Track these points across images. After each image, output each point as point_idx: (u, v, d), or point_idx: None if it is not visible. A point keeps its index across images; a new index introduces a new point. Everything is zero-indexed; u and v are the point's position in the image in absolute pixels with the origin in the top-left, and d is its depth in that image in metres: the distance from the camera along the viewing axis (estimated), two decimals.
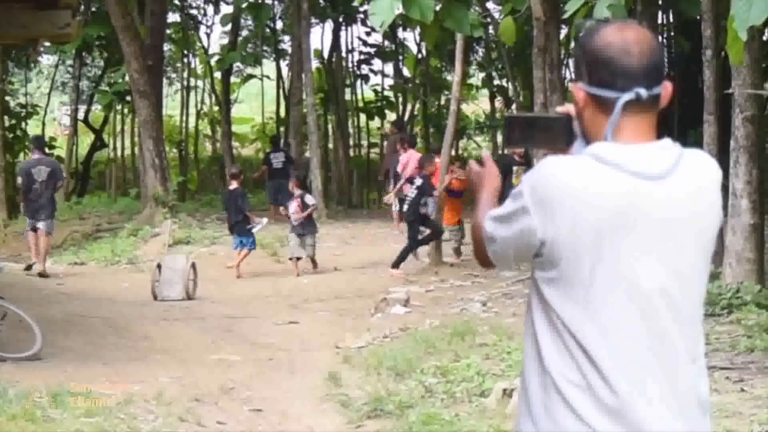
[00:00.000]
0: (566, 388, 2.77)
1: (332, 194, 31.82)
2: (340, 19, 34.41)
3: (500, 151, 35.76)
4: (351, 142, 36.82)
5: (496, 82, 35.97)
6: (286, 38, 36.60)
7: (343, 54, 36.31)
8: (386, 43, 36.38)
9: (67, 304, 14.54)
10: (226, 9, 35.31)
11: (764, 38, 14.21)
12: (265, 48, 37.03)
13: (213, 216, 24.74)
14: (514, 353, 9.59)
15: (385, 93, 37.49)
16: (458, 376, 9.17)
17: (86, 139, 38.28)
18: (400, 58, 36.97)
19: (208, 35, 38.54)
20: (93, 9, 31.86)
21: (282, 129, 35.73)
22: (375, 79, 37.77)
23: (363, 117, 38.44)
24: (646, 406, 2.75)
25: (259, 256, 18.89)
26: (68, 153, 34.27)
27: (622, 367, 2.75)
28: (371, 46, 36.54)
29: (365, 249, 19.37)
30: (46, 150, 22.92)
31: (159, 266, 15.77)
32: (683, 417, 2.80)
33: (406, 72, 37.20)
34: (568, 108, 3.04)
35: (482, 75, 37.39)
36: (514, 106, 32.40)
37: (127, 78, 26.39)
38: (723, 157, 11.35)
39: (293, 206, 17.64)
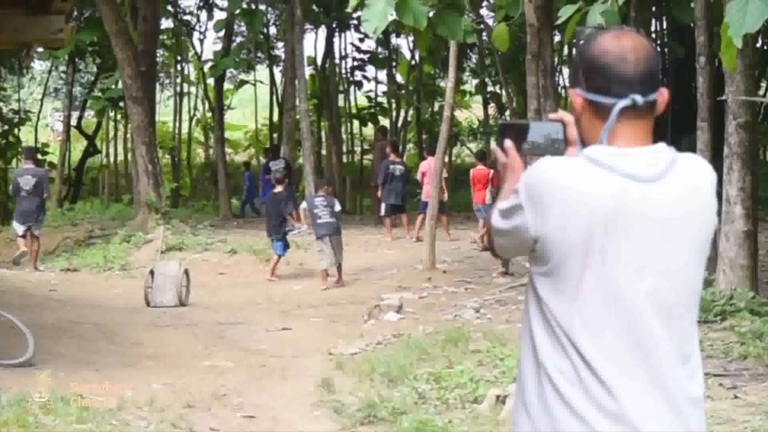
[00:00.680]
0: (560, 380, 2.81)
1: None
2: (334, 25, 34.45)
3: (492, 158, 35.80)
4: (344, 149, 36.84)
5: (490, 88, 36.05)
6: (280, 44, 36.65)
7: (337, 60, 36.35)
8: (380, 49, 36.42)
9: (60, 310, 14.51)
10: (220, 15, 35.41)
11: (757, 45, 14.23)
12: (258, 54, 37.05)
13: (206, 222, 24.72)
14: (507, 359, 9.58)
15: (379, 99, 37.53)
16: (451, 382, 9.16)
17: (79, 145, 38.28)
18: (394, 64, 37.01)
19: (201, 41, 38.62)
20: (86, 14, 31.84)
21: (275, 135, 35.76)
22: (368, 86, 37.86)
23: (356, 123, 38.48)
24: (635, 403, 2.77)
25: (251, 262, 18.85)
26: (61, 159, 34.25)
27: (611, 364, 2.78)
28: (364, 52, 36.61)
29: (358, 255, 19.34)
30: (38, 159, 23.63)
31: (152, 272, 15.75)
32: (671, 416, 2.81)
33: (399, 78, 37.25)
34: (562, 115, 3.08)
35: (476, 81, 37.49)
36: (507, 113, 32.45)
37: (120, 84, 26.38)
38: (716, 163, 11.34)
39: (326, 211, 16.98)
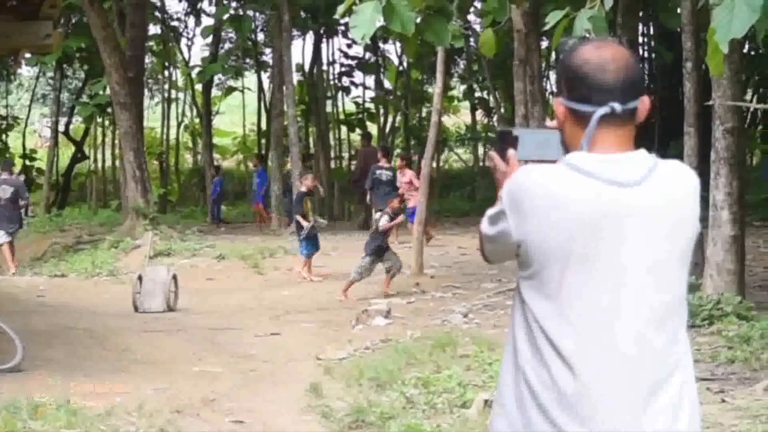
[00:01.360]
0: (536, 384, 2.85)
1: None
2: (322, 31, 34.45)
3: (480, 163, 35.82)
4: (332, 154, 36.84)
5: (478, 94, 36.09)
6: (268, 50, 36.64)
7: (325, 66, 36.35)
8: (367, 55, 36.42)
9: (48, 315, 14.49)
10: (207, 21, 35.38)
11: (744, 50, 14.28)
12: (246, 60, 37.04)
13: (194, 228, 24.69)
14: (495, 364, 9.60)
15: (367, 105, 37.53)
16: (439, 387, 9.18)
17: (67, 151, 38.21)
18: (382, 70, 37.02)
19: (189, 47, 38.59)
20: (74, 20, 31.82)
21: (263, 141, 35.75)
22: (356, 92, 37.86)
23: (344, 129, 38.48)
24: (610, 402, 2.81)
25: (240, 268, 18.85)
26: (49, 165, 34.23)
27: (590, 366, 2.82)
28: (352, 58, 36.60)
29: (347, 260, 19.32)
30: (14, 171, 24.00)
31: (140, 278, 15.73)
32: (648, 416, 2.85)
33: (387, 84, 37.26)
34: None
35: (463, 87, 37.52)
36: (495, 118, 32.49)
37: (107, 90, 26.36)
38: (703, 168, 11.40)
39: (384, 219, 16.54)
